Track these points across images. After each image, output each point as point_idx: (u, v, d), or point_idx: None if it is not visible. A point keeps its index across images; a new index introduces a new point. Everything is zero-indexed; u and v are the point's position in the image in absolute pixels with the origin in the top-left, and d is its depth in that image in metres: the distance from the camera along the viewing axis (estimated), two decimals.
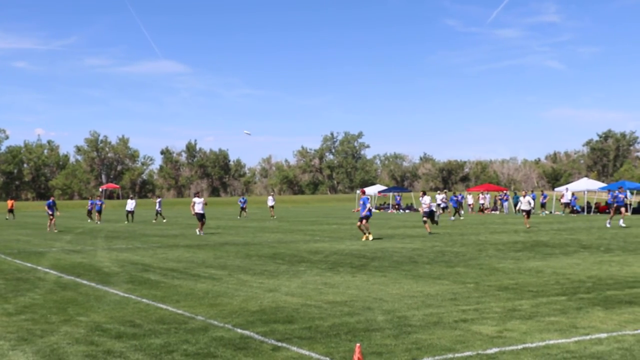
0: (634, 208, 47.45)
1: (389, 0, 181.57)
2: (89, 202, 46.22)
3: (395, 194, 65.87)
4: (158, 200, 45.27)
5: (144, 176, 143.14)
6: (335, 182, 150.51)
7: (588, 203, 50.28)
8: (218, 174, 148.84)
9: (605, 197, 51.84)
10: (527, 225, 29.65)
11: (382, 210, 62.99)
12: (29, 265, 16.53)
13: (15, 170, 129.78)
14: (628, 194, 52.36)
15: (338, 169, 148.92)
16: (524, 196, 30.89)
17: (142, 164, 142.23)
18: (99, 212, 42.02)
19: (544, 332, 8.11)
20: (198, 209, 27.97)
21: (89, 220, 42.93)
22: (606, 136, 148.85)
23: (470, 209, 55.20)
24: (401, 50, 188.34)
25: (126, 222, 41.20)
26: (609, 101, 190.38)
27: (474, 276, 13.33)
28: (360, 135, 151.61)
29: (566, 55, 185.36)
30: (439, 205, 55.15)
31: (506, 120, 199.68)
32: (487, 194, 56.90)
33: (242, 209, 49.42)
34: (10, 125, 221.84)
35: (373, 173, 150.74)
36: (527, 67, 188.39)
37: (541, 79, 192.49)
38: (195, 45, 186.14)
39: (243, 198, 51.29)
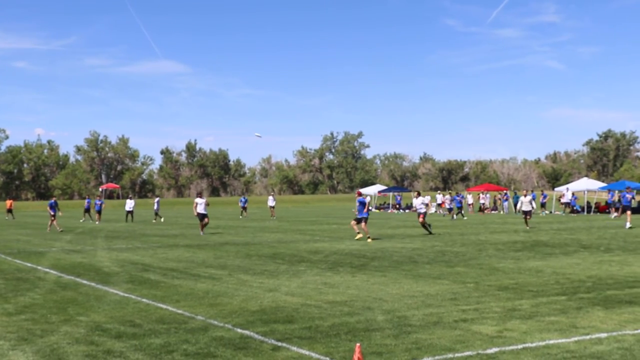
0: (633, 208, 47.39)
1: (389, 0, 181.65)
2: (86, 200, 46.23)
3: (396, 193, 65.89)
4: (156, 200, 45.32)
5: (144, 176, 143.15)
6: (335, 182, 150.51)
7: (588, 203, 50.29)
8: (218, 173, 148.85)
9: (605, 196, 51.87)
10: (527, 227, 29.33)
11: (382, 210, 63.00)
12: (29, 265, 16.53)
13: (15, 170, 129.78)
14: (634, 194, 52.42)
15: (338, 169, 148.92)
16: (525, 196, 30.52)
17: (142, 163, 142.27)
18: (99, 212, 41.99)
19: (544, 331, 8.11)
20: (200, 209, 27.97)
21: (81, 220, 42.73)
22: (606, 136, 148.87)
23: (470, 209, 55.21)
24: (401, 50, 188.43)
25: (126, 222, 41.22)
26: (609, 101, 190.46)
27: (474, 276, 13.33)
28: (360, 135, 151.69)
29: (566, 55, 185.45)
30: (439, 205, 55.34)
31: (506, 120, 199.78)
32: (487, 193, 56.91)
33: (243, 208, 49.70)
34: (10, 125, 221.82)
35: (373, 173, 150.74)
36: (527, 67, 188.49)
37: (541, 79, 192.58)
38: (195, 45, 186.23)
39: (244, 198, 51.45)
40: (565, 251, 18.54)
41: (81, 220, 42.26)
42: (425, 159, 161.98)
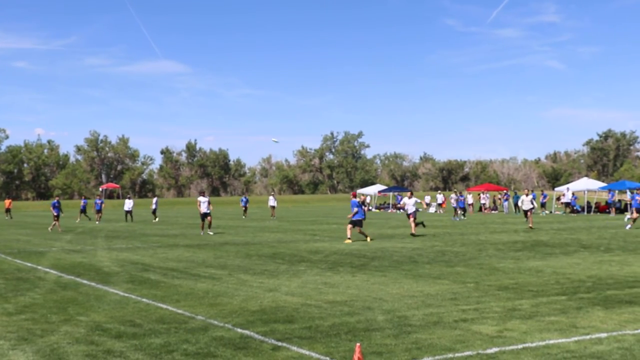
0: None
1: (389, 0, 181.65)
2: (82, 200, 46.06)
3: (396, 193, 65.88)
4: (155, 199, 45.35)
5: (144, 176, 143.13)
6: (335, 181, 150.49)
7: (588, 203, 50.28)
8: (218, 173, 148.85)
9: (605, 196, 51.87)
10: (530, 225, 29.15)
11: (382, 210, 63.00)
12: (29, 265, 16.54)
13: (15, 170, 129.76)
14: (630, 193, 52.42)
15: (338, 169, 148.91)
16: (527, 195, 30.47)
17: (142, 163, 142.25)
18: (99, 211, 41.96)
19: (544, 331, 8.11)
20: (204, 208, 27.98)
21: (77, 221, 42.60)
22: (606, 136, 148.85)
23: (470, 209, 55.18)
24: (401, 50, 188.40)
25: (125, 222, 41.22)
26: (609, 101, 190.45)
27: (474, 276, 13.33)
28: (360, 135, 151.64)
29: (566, 55, 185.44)
30: (440, 205, 55.33)
31: (506, 120, 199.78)
32: (487, 193, 56.90)
33: (244, 208, 49.80)
34: (10, 125, 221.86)
35: (373, 173, 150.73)
36: (527, 67, 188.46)
37: (541, 79, 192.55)
38: (195, 45, 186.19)
39: (245, 198, 51.48)
40: (566, 251, 18.54)
41: (76, 221, 42.18)
42: (425, 158, 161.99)
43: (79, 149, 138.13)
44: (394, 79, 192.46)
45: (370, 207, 65.52)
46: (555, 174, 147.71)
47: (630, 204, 30.73)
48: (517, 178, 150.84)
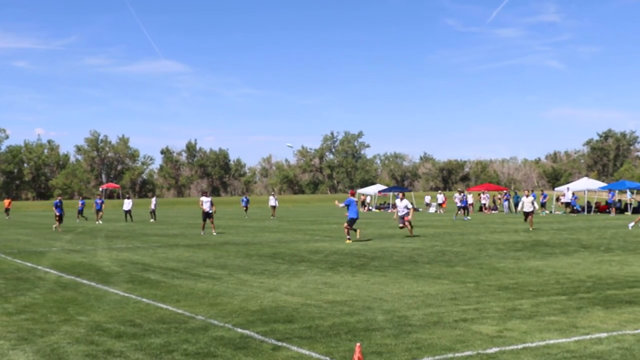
0: (634, 207, 47.46)
1: (388, 0, 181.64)
2: (80, 201, 45.97)
3: (396, 193, 65.85)
4: (153, 199, 45.37)
5: (144, 176, 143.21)
6: (335, 181, 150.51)
7: (588, 203, 50.28)
8: (218, 173, 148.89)
9: (605, 196, 51.85)
10: (531, 228, 28.58)
11: (382, 210, 62.99)
12: (29, 264, 16.54)
13: (16, 170, 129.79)
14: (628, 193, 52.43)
15: (338, 169, 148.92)
16: (527, 196, 29.91)
17: (142, 163, 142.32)
18: (99, 211, 41.93)
19: (544, 331, 8.10)
20: (206, 207, 27.96)
21: (77, 221, 42.65)
22: (606, 136, 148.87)
23: (470, 209, 55.15)
24: (401, 50, 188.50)
25: (125, 222, 41.23)
26: (609, 101, 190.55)
27: (474, 276, 13.33)
28: (360, 134, 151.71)
29: (566, 55, 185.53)
30: (440, 204, 55.31)
31: (506, 120, 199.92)
32: (487, 193, 56.90)
33: (246, 208, 49.85)
34: (10, 125, 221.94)
35: (373, 173, 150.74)
36: (527, 67, 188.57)
37: (541, 79, 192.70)
38: (195, 45, 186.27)
39: (245, 198, 51.47)
40: (566, 251, 18.54)
41: (77, 221, 42.21)
42: (425, 158, 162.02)
43: (79, 149, 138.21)
44: (394, 78, 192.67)
45: (370, 207, 65.54)
46: (555, 174, 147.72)
47: None
48: (517, 178, 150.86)
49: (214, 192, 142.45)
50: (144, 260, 17.34)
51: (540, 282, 12.28)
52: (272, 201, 48.55)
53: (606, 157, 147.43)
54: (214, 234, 27.48)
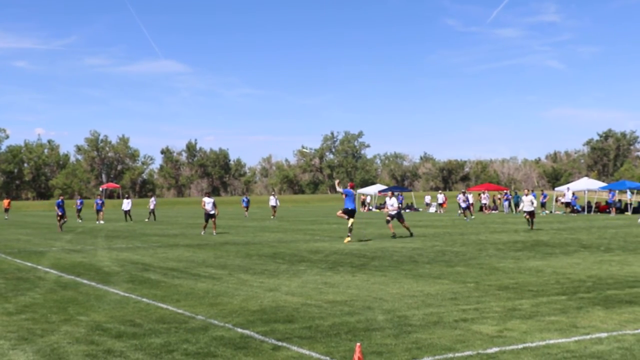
0: (634, 207, 47.46)
1: (388, 0, 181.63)
2: (77, 201, 45.53)
3: (396, 193, 65.79)
4: (152, 199, 45.31)
5: (144, 176, 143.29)
6: (335, 181, 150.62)
7: (588, 202, 50.28)
8: (218, 173, 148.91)
9: (605, 196, 51.84)
10: (532, 228, 28.35)
11: (382, 210, 62.93)
12: (29, 264, 16.54)
13: (16, 170, 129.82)
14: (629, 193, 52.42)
15: (338, 169, 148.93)
16: (527, 195, 29.81)
17: (143, 163, 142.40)
18: (99, 211, 41.91)
19: (544, 331, 8.10)
20: (209, 208, 27.97)
21: (79, 221, 42.52)
22: (606, 136, 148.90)
23: (470, 208, 55.12)
24: (401, 50, 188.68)
25: (125, 222, 41.23)
26: (609, 101, 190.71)
27: (474, 276, 13.33)
28: (360, 134, 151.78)
29: (566, 55, 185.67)
30: (440, 204, 55.32)
31: (506, 120, 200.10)
32: (487, 193, 56.89)
33: (246, 208, 49.85)
34: (10, 125, 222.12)
35: (373, 172, 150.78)
36: (527, 67, 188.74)
37: (541, 79, 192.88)
38: (195, 45, 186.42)
39: (246, 197, 51.46)
40: (566, 251, 18.54)
41: (79, 221, 42.21)
42: (425, 158, 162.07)
43: (79, 149, 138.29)
44: (394, 78, 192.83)
45: (370, 207, 65.51)
46: (555, 174, 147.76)
47: None
48: (517, 178, 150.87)
49: (214, 192, 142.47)
50: (144, 260, 17.34)
51: (540, 282, 12.27)
52: (272, 201, 48.47)
53: (606, 157, 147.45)
54: (214, 234, 27.48)
